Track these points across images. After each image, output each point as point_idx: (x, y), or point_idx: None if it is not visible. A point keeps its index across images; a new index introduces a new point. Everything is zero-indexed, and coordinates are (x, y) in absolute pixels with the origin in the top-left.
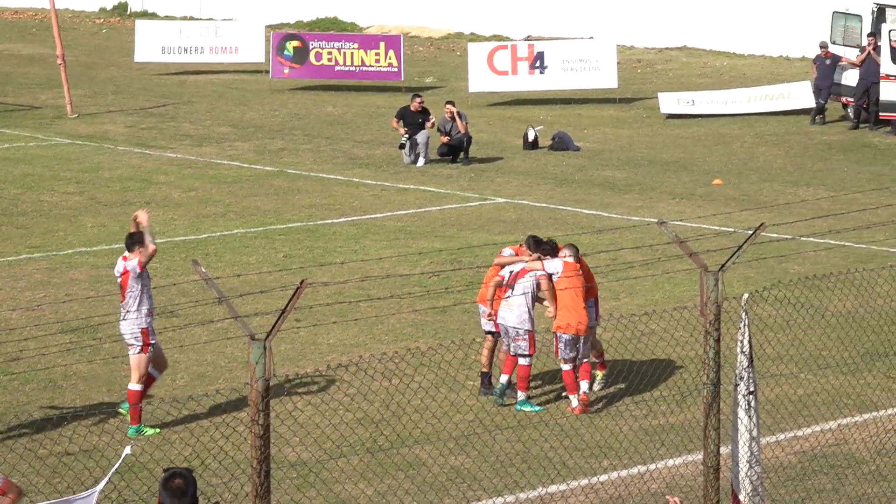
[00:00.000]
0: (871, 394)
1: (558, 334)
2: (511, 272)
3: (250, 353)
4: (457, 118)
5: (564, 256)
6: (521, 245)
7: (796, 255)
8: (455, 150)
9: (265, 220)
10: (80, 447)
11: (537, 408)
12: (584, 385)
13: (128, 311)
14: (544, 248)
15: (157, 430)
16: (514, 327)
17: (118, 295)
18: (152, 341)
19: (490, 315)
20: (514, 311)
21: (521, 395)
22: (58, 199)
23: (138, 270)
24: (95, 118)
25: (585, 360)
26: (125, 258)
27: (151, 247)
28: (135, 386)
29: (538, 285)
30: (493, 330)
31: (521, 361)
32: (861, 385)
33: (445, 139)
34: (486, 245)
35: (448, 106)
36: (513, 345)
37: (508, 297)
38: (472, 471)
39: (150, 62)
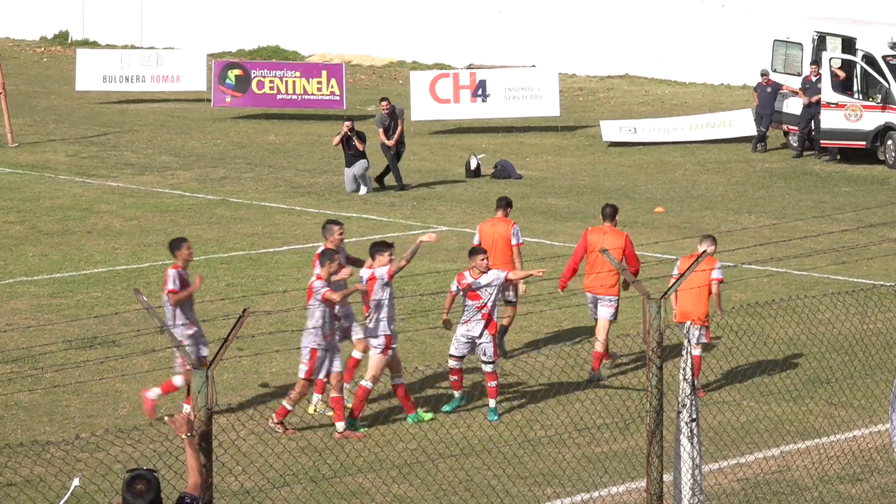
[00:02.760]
0: (813, 421)
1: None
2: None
3: (192, 383)
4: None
5: (704, 248)
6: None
7: (738, 283)
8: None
9: (207, 249)
10: (23, 477)
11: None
12: None
13: (375, 315)
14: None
15: (432, 415)
16: None
17: (58, 324)
18: (394, 345)
19: None
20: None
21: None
22: None
23: (386, 279)
24: (36, 147)
25: (696, 354)
26: (370, 266)
27: (404, 262)
28: (367, 383)
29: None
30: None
31: None
32: (803, 412)
33: (389, 142)
34: (428, 273)
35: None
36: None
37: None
38: (415, 499)
39: (92, 91)
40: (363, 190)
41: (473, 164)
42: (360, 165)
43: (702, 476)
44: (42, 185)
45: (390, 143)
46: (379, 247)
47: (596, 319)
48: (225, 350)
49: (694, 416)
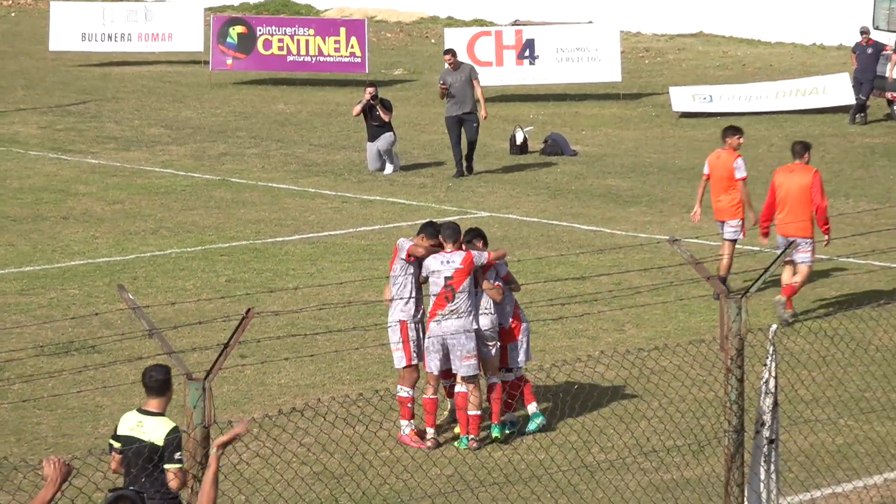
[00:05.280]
0: None
1: None
2: None
3: (187, 396)
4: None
5: None
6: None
7: (834, 279)
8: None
9: (204, 239)
10: None
11: None
12: None
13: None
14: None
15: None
16: None
17: (28, 327)
18: None
19: None
20: None
21: None
22: None
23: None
24: (3, 118)
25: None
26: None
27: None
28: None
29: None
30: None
31: None
32: None
33: (444, 86)
34: None
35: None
36: None
37: None
38: None
39: (68, 51)
40: (389, 168)
41: (520, 139)
42: (385, 139)
43: None
44: (9, 163)
45: (483, 113)
46: (473, 233)
47: (786, 265)
48: (225, 358)
49: (773, 437)
